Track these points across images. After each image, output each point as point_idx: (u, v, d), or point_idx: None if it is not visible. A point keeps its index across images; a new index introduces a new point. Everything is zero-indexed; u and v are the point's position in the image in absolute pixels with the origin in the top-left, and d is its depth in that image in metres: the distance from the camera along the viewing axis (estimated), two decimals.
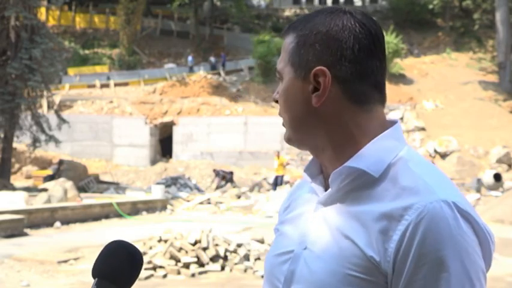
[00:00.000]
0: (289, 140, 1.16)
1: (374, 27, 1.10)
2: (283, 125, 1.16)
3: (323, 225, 1.09)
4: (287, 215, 1.23)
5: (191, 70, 35.89)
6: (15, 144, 22.46)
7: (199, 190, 21.77)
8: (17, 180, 23.47)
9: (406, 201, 1.00)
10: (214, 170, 23.98)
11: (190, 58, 37.14)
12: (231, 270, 8.35)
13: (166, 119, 30.26)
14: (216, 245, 8.64)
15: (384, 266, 1.00)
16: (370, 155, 1.07)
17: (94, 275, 1.00)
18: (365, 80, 1.08)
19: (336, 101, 1.08)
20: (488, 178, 20.63)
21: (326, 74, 1.07)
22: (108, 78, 34.90)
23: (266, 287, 1.19)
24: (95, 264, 1.02)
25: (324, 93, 1.08)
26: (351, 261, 1.02)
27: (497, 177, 20.54)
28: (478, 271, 1.00)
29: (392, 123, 1.13)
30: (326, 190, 1.12)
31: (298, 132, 1.13)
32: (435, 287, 0.97)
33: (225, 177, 22.96)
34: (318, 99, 1.08)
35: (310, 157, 1.18)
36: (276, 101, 1.17)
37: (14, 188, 18.50)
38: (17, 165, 25.31)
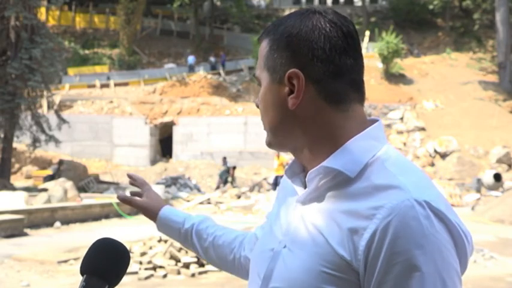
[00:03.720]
0: (269, 144, 1.17)
1: (346, 25, 1.11)
2: (265, 129, 1.17)
3: (301, 223, 1.10)
4: (276, 207, 1.25)
5: (191, 70, 35.87)
6: (15, 144, 22.46)
7: (199, 190, 21.78)
8: (17, 180, 23.47)
9: (378, 200, 1.01)
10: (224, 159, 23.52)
11: (190, 58, 37.02)
12: None
13: (166, 119, 30.24)
14: None
15: (356, 264, 1.01)
16: (346, 155, 1.08)
17: (83, 272, 1.02)
18: (339, 79, 1.09)
19: (312, 102, 1.09)
20: (488, 178, 20.62)
21: (299, 76, 1.08)
22: (108, 78, 34.91)
23: (250, 282, 1.21)
24: (83, 261, 1.04)
25: (299, 95, 1.09)
26: (325, 259, 1.03)
27: (497, 177, 20.53)
28: (451, 271, 0.99)
29: (373, 122, 1.14)
30: (305, 189, 1.14)
31: (277, 136, 1.15)
32: (407, 286, 0.97)
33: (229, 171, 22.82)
34: (294, 102, 1.09)
35: None
36: (258, 106, 1.19)
37: (14, 188, 18.49)
38: (17, 165, 25.31)
